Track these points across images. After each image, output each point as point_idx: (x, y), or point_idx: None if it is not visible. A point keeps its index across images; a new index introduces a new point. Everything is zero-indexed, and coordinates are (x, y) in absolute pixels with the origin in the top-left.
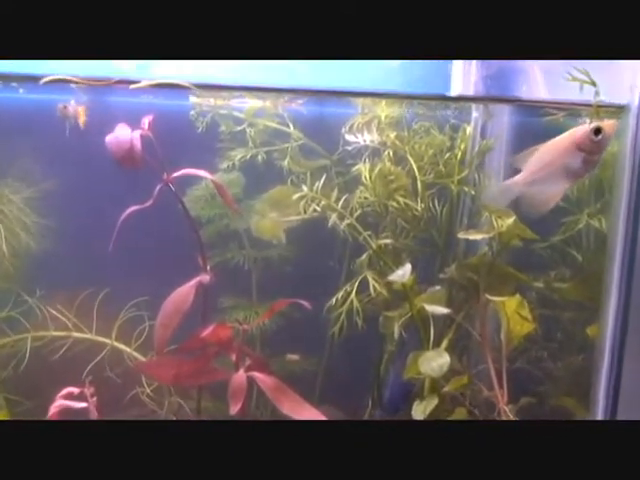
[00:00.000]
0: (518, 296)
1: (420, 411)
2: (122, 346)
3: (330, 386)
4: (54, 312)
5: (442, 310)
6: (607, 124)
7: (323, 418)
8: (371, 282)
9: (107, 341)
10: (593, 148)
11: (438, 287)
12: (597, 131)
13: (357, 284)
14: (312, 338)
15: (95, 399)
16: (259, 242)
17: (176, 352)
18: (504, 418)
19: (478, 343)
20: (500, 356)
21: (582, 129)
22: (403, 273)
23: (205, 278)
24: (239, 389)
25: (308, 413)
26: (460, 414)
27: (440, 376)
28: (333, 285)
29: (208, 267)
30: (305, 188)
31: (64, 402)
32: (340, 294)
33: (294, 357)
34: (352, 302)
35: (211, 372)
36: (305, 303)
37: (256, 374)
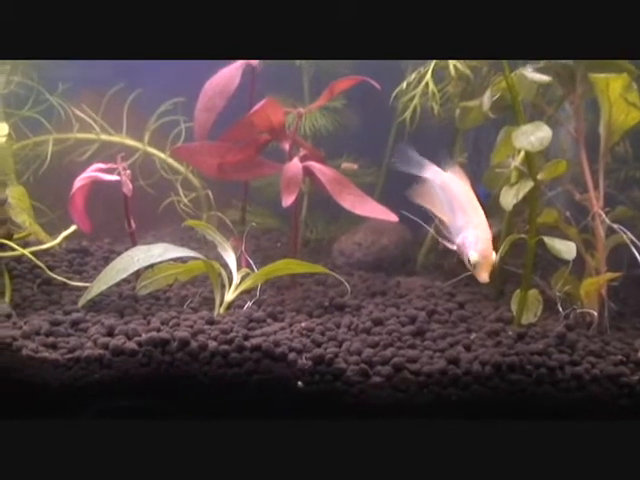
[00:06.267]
0: (625, 75)
1: (512, 195)
2: (155, 151)
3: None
4: (78, 112)
5: (543, 78)
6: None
7: (388, 213)
8: (451, 63)
9: (139, 145)
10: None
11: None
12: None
13: (433, 66)
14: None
15: (129, 173)
16: None
17: (220, 140)
18: (598, 223)
19: (572, 138)
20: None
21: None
22: None
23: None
24: (294, 178)
25: (371, 208)
26: (550, 216)
27: (540, 150)
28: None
29: None
30: None
31: (93, 174)
32: (412, 76)
33: (352, 165)
34: (427, 85)
35: (260, 165)
36: (374, 83)
37: (314, 164)
